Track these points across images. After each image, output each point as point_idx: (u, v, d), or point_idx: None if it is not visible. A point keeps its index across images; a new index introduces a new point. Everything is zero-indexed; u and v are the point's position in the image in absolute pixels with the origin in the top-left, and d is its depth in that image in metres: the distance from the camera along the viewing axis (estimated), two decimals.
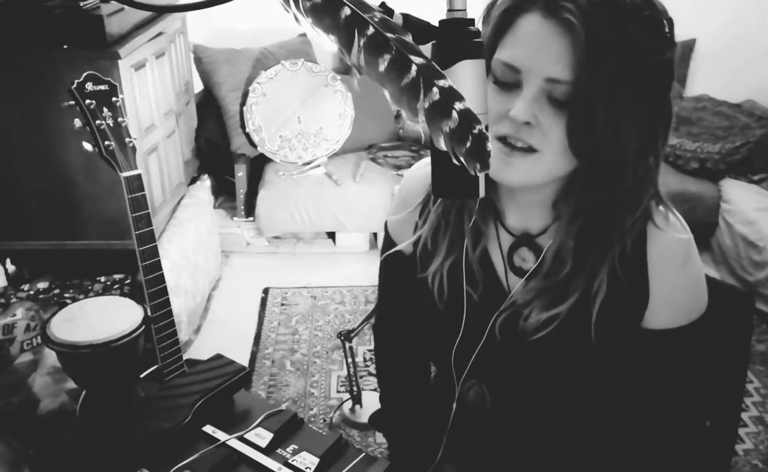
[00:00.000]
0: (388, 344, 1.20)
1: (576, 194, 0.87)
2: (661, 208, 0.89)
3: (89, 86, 1.53)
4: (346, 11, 0.53)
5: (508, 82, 0.81)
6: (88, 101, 1.52)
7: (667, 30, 0.80)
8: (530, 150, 0.81)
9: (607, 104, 0.76)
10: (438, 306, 0.99)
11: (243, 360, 2.20)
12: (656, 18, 0.79)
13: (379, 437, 2.08)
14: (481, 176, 0.63)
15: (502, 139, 0.82)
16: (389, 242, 1.07)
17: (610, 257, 0.87)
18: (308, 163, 3.13)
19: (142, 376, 1.75)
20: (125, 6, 1.26)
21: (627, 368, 0.93)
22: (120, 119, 1.57)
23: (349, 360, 2.07)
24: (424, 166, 1.05)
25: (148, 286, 1.59)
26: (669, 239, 0.88)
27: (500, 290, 0.96)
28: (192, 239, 2.56)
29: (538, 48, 0.78)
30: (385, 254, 1.08)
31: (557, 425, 1.00)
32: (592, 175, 0.84)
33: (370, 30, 0.52)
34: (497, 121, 0.82)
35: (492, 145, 0.83)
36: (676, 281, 0.89)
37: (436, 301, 0.99)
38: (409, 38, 0.53)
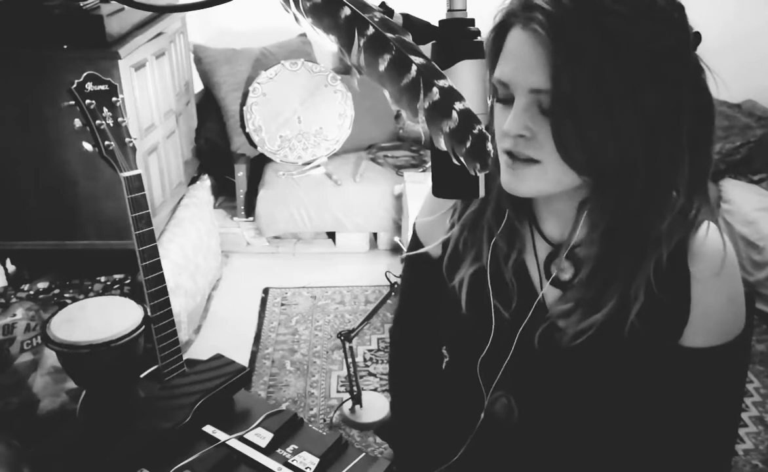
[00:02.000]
0: (405, 347, 1.18)
1: (593, 201, 0.85)
2: (706, 223, 0.86)
3: (89, 86, 1.53)
4: (346, 11, 0.53)
5: (506, 98, 0.81)
6: (88, 101, 1.52)
7: (675, 14, 0.76)
8: (532, 161, 0.80)
9: (592, 107, 0.73)
10: (465, 315, 0.96)
11: (243, 360, 2.20)
12: (653, 4, 0.75)
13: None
14: (481, 176, 0.63)
15: (508, 152, 0.82)
16: (417, 244, 1.05)
17: (645, 266, 0.84)
18: (308, 163, 3.13)
19: (142, 376, 1.75)
20: (125, 6, 1.26)
21: (660, 384, 0.90)
22: (120, 119, 1.57)
23: (349, 360, 2.07)
24: None
25: (148, 286, 1.59)
26: (711, 256, 0.85)
27: (534, 301, 0.93)
28: (192, 238, 2.56)
29: (519, 61, 0.78)
30: (409, 254, 1.06)
31: (583, 438, 0.98)
32: (600, 181, 0.81)
33: (370, 30, 0.52)
34: (502, 137, 0.82)
35: (500, 159, 0.83)
36: (715, 299, 0.86)
37: (462, 309, 0.97)
38: (409, 38, 0.53)
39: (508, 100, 0.81)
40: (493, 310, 0.94)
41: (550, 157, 0.79)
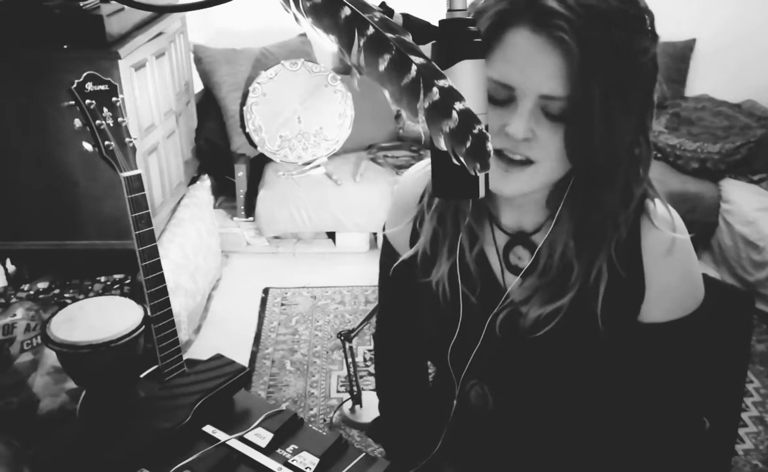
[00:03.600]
0: (389, 351, 1.19)
1: (571, 195, 0.87)
2: (656, 201, 0.90)
3: (89, 86, 1.53)
4: (346, 11, 0.53)
5: (504, 100, 0.80)
6: (88, 101, 1.52)
7: (649, 26, 0.80)
8: (528, 162, 0.81)
9: (602, 113, 0.76)
10: (439, 307, 0.99)
11: (243, 360, 2.20)
12: (640, 16, 0.79)
13: None
14: (481, 176, 0.63)
15: (499, 153, 0.81)
16: (389, 251, 1.07)
17: (606, 249, 0.88)
18: (308, 163, 3.13)
19: (142, 376, 1.75)
20: (125, 6, 1.26)
21: (627, 363, 0.93)
22: (120, 119, 1.57)
23: (349, 360, 2.07)
24: (415, 173, 1.05)
25: (148, 286, 1.59)
26: (660, 234, 0.89)
27: (498, 289, 0.96)
28: (192, 238, 2.56)
29: (530, 65, 0.77)
30: (386, 265, 1.07)
31: (558, 424, 1.00)
32: (587, 176, 0.84)
33: (370, 30, 0.52)
34: (493, 136, 0.81)
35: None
36: (668, 275, 0.89)
37: (436, 303, 0.99)
38: (409, 38, 0.53)
39: (505, 102, 0.80)
40: (461, 296, 0.96)
41: (548, 158, 0.81)
